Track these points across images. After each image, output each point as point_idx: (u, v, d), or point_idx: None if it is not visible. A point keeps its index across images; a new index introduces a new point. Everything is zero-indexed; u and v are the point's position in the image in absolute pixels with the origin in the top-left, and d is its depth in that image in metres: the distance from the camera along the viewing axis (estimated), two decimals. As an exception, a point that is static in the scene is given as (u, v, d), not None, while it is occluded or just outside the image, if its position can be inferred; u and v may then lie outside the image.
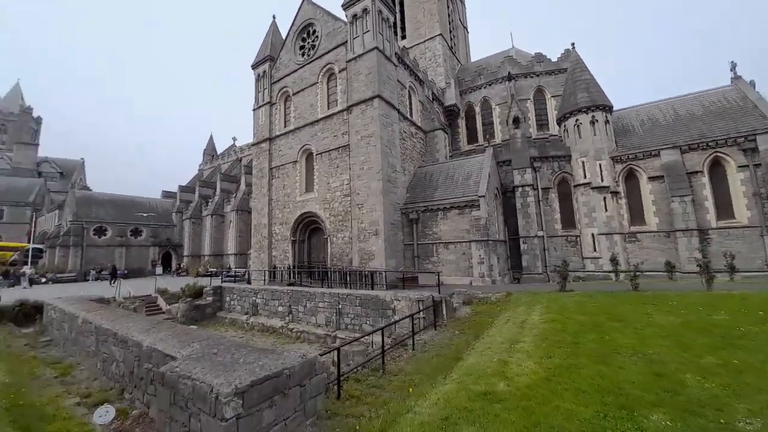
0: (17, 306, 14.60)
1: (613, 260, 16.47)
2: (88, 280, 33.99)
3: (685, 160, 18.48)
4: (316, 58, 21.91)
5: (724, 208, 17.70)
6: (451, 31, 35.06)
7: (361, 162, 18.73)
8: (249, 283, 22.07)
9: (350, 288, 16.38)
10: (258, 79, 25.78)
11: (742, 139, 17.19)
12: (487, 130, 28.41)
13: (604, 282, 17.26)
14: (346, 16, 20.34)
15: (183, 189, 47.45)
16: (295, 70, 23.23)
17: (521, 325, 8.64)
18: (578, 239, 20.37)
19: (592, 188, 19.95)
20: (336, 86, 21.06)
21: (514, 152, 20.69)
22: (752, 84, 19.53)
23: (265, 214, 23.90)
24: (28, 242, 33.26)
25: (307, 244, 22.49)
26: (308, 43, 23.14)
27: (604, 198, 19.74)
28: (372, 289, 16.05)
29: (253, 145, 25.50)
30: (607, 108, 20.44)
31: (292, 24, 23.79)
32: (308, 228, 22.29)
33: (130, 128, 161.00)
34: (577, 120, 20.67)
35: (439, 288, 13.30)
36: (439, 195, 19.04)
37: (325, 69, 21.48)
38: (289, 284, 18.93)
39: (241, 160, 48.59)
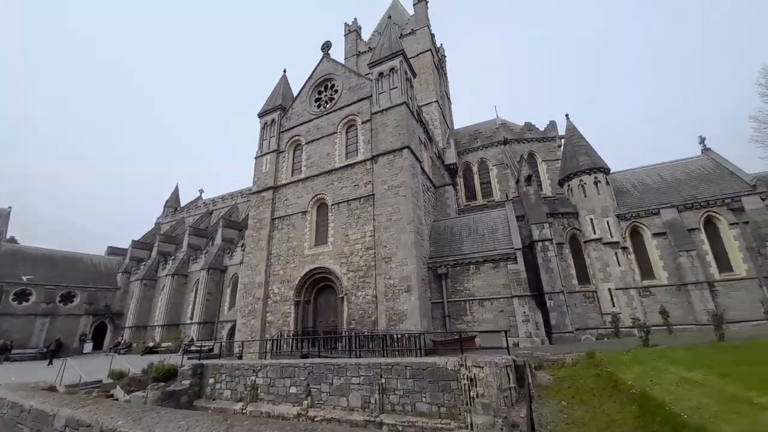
0: None
1: (635, 319, 16.15)
2: None
3: (683, 218, 20.20)
4: (336, 110, 21.82)
5: (724, 261, 19.09)
6: (439, 100, 38.22)
7: (389, 213, 17.63)
8: (240, 358, 18.08)
9: (390, 356, 13.84)
10: (264, 127, 24.83)
11: (729, 200, 19.40)
12: (485, 189, 29.48)
13: (633, 338, 16.77)
14: (372, 73, 21.04)
15: (136, 244, 41.43)
16: (310, 120, 22.80)
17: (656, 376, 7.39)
18: (595, 294, 20.32)
19: (604, 244, 20.66)
20: (356, 136, 20.74)
21: (530, 208, 21.16)
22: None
23: (262, 270, 20.92)
24: None
25: (312, 305, 19.63)
26: (325, 95, 23.25)
27: (616, 253, 20.41)
28: (404, 356, 13.78)
29: (253, 193, 23.38)
30: (606, 170, 22.38)
31: (309, 77, 24.08)
32: (315, 287, 19.68)
33: (68, 172, 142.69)
34: (581, 180, 22.18)
35: (509, 350, 11.59)
36: (468, 248, 18.24)
37: (345, 120, 21.31)
38: (303, 356, 15.69)
39: (211, 213, 44.72)
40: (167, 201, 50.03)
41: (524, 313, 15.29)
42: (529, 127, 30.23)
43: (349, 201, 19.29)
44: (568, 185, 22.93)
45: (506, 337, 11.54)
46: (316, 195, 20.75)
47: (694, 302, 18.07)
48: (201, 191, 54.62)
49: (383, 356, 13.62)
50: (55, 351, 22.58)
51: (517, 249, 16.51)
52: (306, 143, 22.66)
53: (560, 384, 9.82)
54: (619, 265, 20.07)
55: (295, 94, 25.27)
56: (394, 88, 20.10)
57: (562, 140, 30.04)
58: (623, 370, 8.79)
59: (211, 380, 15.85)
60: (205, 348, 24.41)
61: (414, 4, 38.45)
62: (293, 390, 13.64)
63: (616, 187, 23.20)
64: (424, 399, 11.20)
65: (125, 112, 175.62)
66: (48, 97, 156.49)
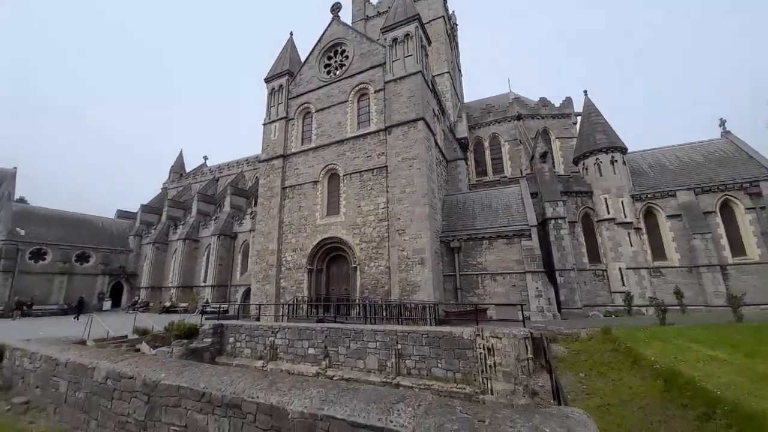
0: (-42, 352, 10.39)
1: (653, 298, 16.53)
2: (11, 317, 26.37)
3: (699, 201, 19.94)
4: (347, 77, 21.02)
5: (737, 245, 19.05)
6: (451, 71, 36.73)
7: (403, 185, 17.48)
8: (258, 320, 18.71)
9: (404, 324, 14.26)
10: (272, 93, 24.08)
11: (747, 184, 19.04)
12: (496, 165, 29.02)
13: (644, 317, 17.15)
14: (385, 39, 20.02)
15: (145, 209, 41.76)
16: (320, 87, 22.04)
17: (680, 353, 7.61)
18: (605, 273, 20.54)
19: (617, 224, 20.59)
20: (369, 106, 20.13)
21: (544, 185, 20.91)
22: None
23: (274, 238, 21.15)
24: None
25: (325, 274, 20.01)
26: (335, 61, 22.31)
27: (629, 233, 20.40)
28: (417, 324, 14.21)
29: (263, 161, 23.12)
30: (624, 150, 21.83)
31: (318, 41, 22.97)
32: (327, 256, 19.96)
33: (69, 137, 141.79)
34: (597, 159, 21.73)
35: (524, 323, 11.88)
36: (481, 224, 18.24)
37: (357, 88, 20.58)
38: (319, 320, 16.23)
39: (218, 180, 44.61)
40: (172, 166, 49.78)
41: (537, 288, 15.53)
42: (544, 102, 29.20)
43: (362, 172, 19.07)
44: (584, 163, 22.49)
45: (521, 310, 11.78)
46: (327, 165, 20.50)
47: (705, 284, 18.25)
48: (205, 158, 54.26)
49: (397, 324, 14.02)
50: (80, 307, 23.49)
51: (532, 226, 16.50)
52: (316, 111, 22.06)
53: (576, 357, 10.14)
54: (631, 245, 20.12)
55: (302, 59, 24.33)
56: (408, 56, 19.21)
57: (578, 117, 29.16)
58: (642, 346, 9.01)
59: (231, 339, 16.55)
60: (221, 309, 25.34)
61: (428, -35, 35.97)
62: (311, 351, 14.24)
63: (633, 168, 22.73)
64: (439, 365, 11.68)
65: (126, 67, 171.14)
66: (48, 59, 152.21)
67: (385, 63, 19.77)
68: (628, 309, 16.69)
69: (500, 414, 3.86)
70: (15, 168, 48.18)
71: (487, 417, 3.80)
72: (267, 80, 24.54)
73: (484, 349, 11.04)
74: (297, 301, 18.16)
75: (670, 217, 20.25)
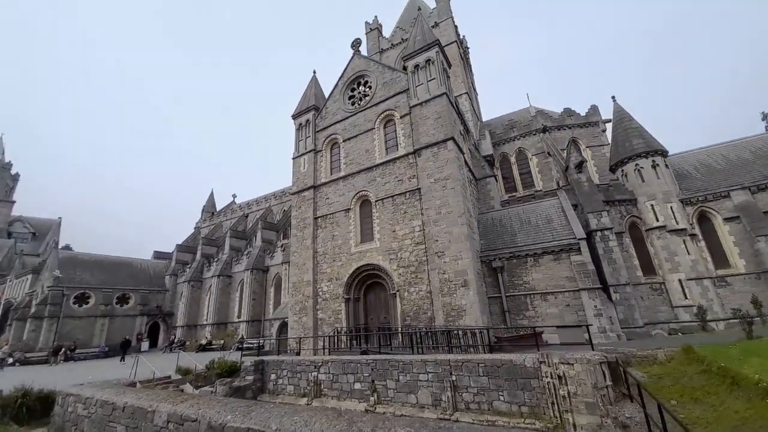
0: (19, 397, 10.48)
1: (736, 309, 14.87)
2: (48, 363, 25.17)
3: (757, 200, 18.40)
4: (372, 106, 21.57)
5: (813, 246, 17.18)
6: (468, 92, 37.21)
7: (437, 206, 17.16)
8: (298, 354, 18.25)
9: (453, 353, 13.39)
10: (299, 128, 25.01)
11: (814, 179, 17.48)
12: (525, 179, 28.35)
13: (717, 332, 15.41)
14: (407, 66, 20.64)
15: (180, 248, 43.28)
16: (346, 118, 22.68)
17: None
18: (663, 286, 18.89)
19: (669, 231, 19.18)
20: (395, 131, 20.40)
21: (583, 196, 20.01)
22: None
23: (309, 269, 21.04)
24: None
25: (363, 302, 19.51)
26: (359, 92, 23.07)
27: (684, 241, 18.89)
28: (467, 352, 13.30)
29: (294, 193, 23.59)
30: (664, 153, 20.79)
31: (341, 76, 23.95)
32: (364, 284, 19.54)
33: (105, 187, 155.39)
34: (637, 164, 20.74)
35: (592, 346, 10.82)
36: (523, 240, 17.44)
37: (383, 115, 21.01)
38: (363, 352, 15.55)
39: (247, 216, 45.94)
40: (204, 206, 52.00)
41: (595, 306, 14.37)
42: (569, 113, 28.76)
43: (394, 196, 18.98)
44: (623, 170, 21.50)
45: (587, 331, 10.78)
46: (358, 192, 20.59)
47: (777, 291, 16.39)
48: (234, 196, 56.52)
49: (448, 353, 13.17)
50: (125, 348, 23.79)
51: (580, 239, 15.58)
52: (343, 141, 22.57)
53: (659, 382, 9.03)
54: (689, 254, 18.57)
55: (326, 94, 25.33)
56: (431, 80, 19.57)
57: (606, 125, 28.42)
58: (738, 365, 7.92)
59: (273, 376, 16.06)
60: (258, 345, 25.06)
61: (436, -4, 37.66)
62: (357, 386, 13.50)
63: (676, 171, 21.50)
64: (501, 398, 10.66)
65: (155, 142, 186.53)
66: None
67: (408, 89, 20.19)
68: (702, 324, 15.09)
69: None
70: (60, 218, 51.57)
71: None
72: (294, 117, 25.59)
73: (552, 377, 10.00)
74: (338, 332, 17.61)
75: (727, 220, 18.71)
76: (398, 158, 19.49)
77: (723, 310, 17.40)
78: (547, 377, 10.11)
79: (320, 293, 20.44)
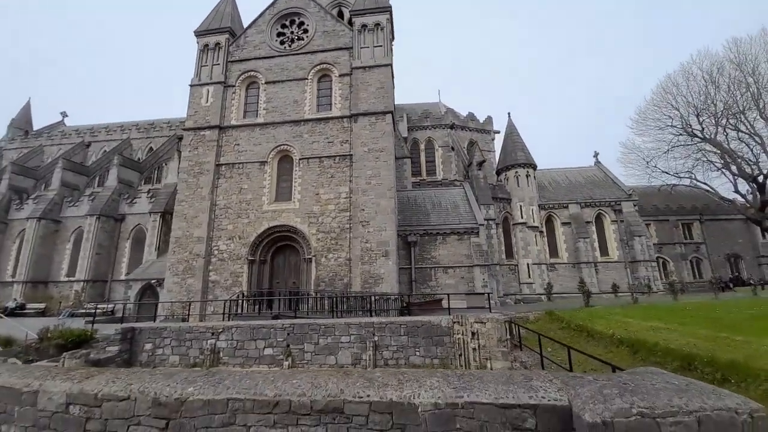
0: None
1: (549, 285, 20.80)
2: None
3: (583, 213, 25.74)
4: (307, 53, 19.34)
5: (603, 248, 25.37)
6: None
7: (368, 176, 17.14)
8: (184, 320, 15.43)
9: (370, 316, 14.00)
10: (204, 49, 20.22)
11: (613, 203, 25.60)
12: (429, 167, 31.10)
13: (544, 302, 21.21)
14: (354, 23, 19.23)
15: (-39, 172, 29.27)
16: (272, 57, 19.63)
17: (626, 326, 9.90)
18: (516, 268, 24.49)
19: (528, 227, 24.80)
20: (331, 89, 18.99)
21: (479, 190, 23.55)
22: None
23: (203, 223, 17.86)
24: None
25: (269, 265, 17.96)
26: (291, 32, 20.23)
27: (536, 235, 24.82)
28: (379, 316, 14.36)
29: (189, 129, 19.17)
30: (535, 167, 26.42)
31: (272, 5, 20.40)
32: (273, 246, 17.98)
33: None
34: (516, 172, 25.72)
35: (490, 308, 13.25)
36: (435, 220, 19.37)
37: (318, 67, 19.13)
38: (274, 317, 14.46)
39: (89, 146, 34.71)
40: (14, 119, 36.15)
41: (483, 279, 17.41)
42: (471, 117, 32.86)
43: (322, 158, 17.89)
44: (506, 175, 26.29)
45: (489, 299, 13.10)
46: (279, 145, 18.45)
47: (584, 276, 23.57)
48: (64, 114, 41.28)
49: (369, 316, 13.72)
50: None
51: (480, 225, 18.41)
52: (266, 83, 19.60)
53: (535, 335, 11.84)
54: (537, 245, 24.50)
55: (244, 23, 21.35)
56: (378, 46, 18.98)
57: (496, 134, 33.78)
58: (590, 323, 11.13)
59: (149, 346, 13.34)
60: (108, 310, 19.94)
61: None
62: (269, 351, 12.70)
63: (538, 182, 27.73)
64: (417, 353, 12.01)
65: None
66: None
67: (352, 48, 18.98)
68: (548, 296, 20.26)
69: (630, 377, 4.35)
70: None
71: (632, 382, 4.24)
72: (199, 34, 20.52)
73: (464, 334, 11.91)
74: (243, 295, 15.78)
75: (563, 223, 25.51)
76: (332, 118, 18.32)
77: (550, 286, 23.85)
78: (458, 334, 11.97)
79: (216, 252, 17.71)
